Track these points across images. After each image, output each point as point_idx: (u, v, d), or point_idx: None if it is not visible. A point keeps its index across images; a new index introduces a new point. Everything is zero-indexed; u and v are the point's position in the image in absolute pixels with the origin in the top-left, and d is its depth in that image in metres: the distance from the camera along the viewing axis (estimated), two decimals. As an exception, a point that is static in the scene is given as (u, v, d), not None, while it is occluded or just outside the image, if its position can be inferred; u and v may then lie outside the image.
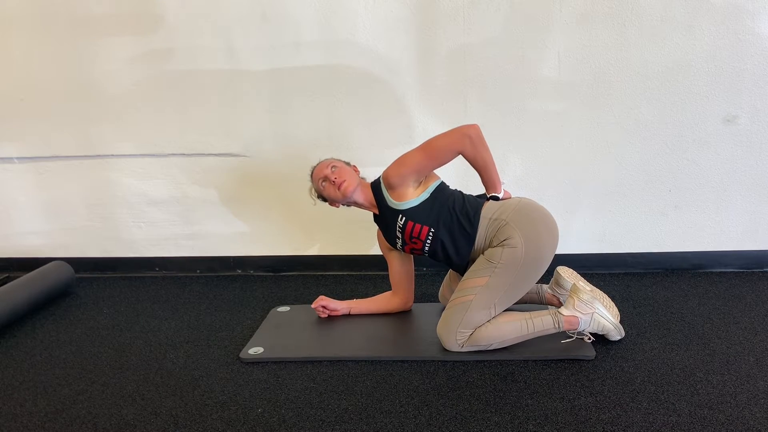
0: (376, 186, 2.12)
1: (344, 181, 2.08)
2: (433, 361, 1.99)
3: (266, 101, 2.70)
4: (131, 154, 2.86)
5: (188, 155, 2.83)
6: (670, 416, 1.64)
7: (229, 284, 2.85)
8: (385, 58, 2.57)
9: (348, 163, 2.21)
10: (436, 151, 1.97)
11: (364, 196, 2.14)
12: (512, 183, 2.66)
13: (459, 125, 1.99)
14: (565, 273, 2.24)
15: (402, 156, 2.04)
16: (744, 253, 2.68)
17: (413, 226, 2.04)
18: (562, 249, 2.68)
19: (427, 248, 2.08)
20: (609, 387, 1.79)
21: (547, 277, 2.32)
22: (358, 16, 2.52)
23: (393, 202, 2.05)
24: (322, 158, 2.24)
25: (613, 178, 2.63)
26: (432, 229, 2.03)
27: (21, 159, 2.94)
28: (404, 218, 2.05)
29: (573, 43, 2.46)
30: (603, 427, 1.61)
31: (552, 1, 2.42)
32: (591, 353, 1.96)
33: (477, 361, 1.97)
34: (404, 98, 2.62)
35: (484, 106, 2.58)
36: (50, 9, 2.66)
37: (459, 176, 2.66)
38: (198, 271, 3.04)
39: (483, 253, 2.00)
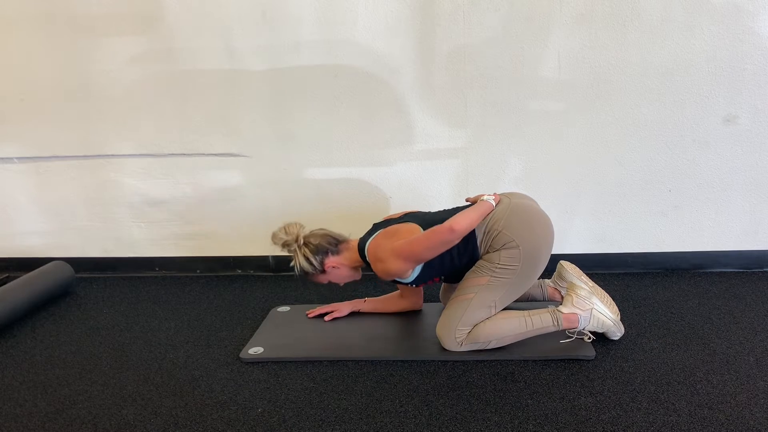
0: (366, 258, 2.07)
1: (340, 280, 2.14)
2: (433, 361, 1.99)
3: (266, 101, 2.69)
4: (131, 154, 2.86)
5: (188, 155, 2.83)
6: (670, 416, 1.64)
7: (229, 284, 2.85)
8: (385, 57, 2.57)
9: (315, 258, 2.05)
10: (423, 256, 1.95)
11: (359, 266, 2.13)
12: (512, 183, 2.66)
13: (435, 229, 1.90)
14: (569, 266, 2.23)
15: (387, 265, 1.95)
16: (744, 253, 2.68)
17: (425, 284, 2.12)
18: (563, 249, 2.69)
19: (441, 280, 2.15)
20: (609, 387, 1.79)
21: (547, 275, 2.32)
22: (358, 15, 2.52)
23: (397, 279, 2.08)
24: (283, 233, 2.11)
25: (613, 178, 2.63)
26: (442, 276, 2.09)
27: (21, 159, 2.94)
28: (414, 284, 2.09)
29: (573, 43, 2.46)
30: (603, 427, 1.61)
31: (552, 1, 2.42)
32: (591, 353, 1.96)
33: (477, 360, 1.97)
34: (404, 98, 2.62)
35: (484, 106, 2.58)
36: (50, 9, 2.66)
37: (459, 176, 2.67)
38: (198, 271, 3.04)
39: (482, 257, 2.00)
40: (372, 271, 2.04)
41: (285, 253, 2.10)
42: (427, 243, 1.91)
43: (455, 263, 2.01)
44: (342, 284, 2.19)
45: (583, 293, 1.99)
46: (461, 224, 1.89)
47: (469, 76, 2.55)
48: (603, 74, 2.49)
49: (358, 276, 2.17)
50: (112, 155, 2.87)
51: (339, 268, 2.10)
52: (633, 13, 2.40)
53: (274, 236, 2.08)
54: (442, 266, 2.01)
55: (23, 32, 2.72)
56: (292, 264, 2.08)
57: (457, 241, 1.92)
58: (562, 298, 2.25)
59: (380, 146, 2.69)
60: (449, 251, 1.97)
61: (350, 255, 2.09)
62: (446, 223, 1.90)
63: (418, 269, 2.01)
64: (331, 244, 2.08)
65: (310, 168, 2.77)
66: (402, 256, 1.93)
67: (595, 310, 1.98)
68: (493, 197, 2.01)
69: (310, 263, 2.05)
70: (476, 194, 2.09)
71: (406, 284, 2.08)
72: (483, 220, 1.97)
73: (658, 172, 2.60)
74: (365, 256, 2.04)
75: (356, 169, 2.74)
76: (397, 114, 2.64)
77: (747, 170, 2.56)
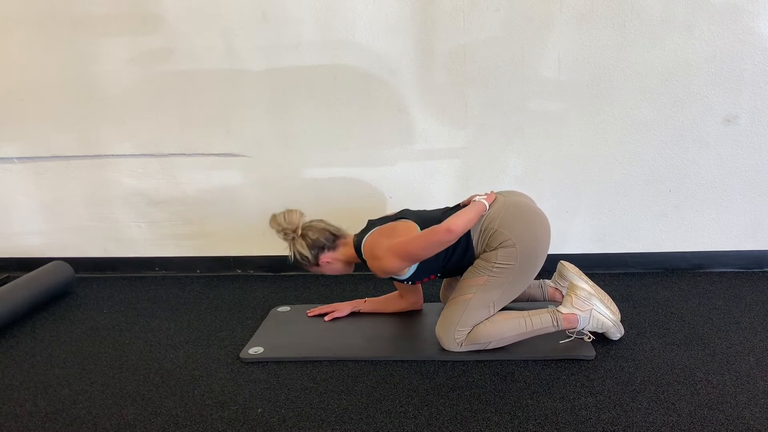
0: (361, 255, 2.07)
1: (332, 273, 2.14)
2: (433, 361, 1.99)
3: (266, 101, 2.69)
4: (131, 154, 2.86)
5: (188, 155, 2.83)
6: (670, 416, 1.64)
7: (229, 284, 2.85)
8: (385, 58, 2.57)
9: (311, 251, 2.07)
10: (419, 255, 1.94)
11: (353, 262, 2.14)
12: (512, 183, 2.66)
13: (432, 230, 1.90)
14: (569, 266, 2.23)
15: (383, 263, 1.95)
16: (744, 253, 2.68)
17: (421, 281, 2.09)
18: (563, 249, 2.68)
19: (438, 277, 2.13)
20: (609, 387, 1.79)
21: (546, 275, 2.32)
22: (357, 15, 2.52)
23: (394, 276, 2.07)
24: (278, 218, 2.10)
25: (613, 178, 2.63)
26: (438, 273, 2.08)
27: (21, 159, 2.94)
28: (410, 282, 2.08)
29: (573, 43, 2.46)
30: (603, 427, 1.61)
31: (552, 1, 2.42)
32: (591, 353, 1.96)
33: (477, 361, 1.97)
34: (404, 98, 2.62)
35: (484, 106, 2.58)
36: (50, 9, 2.66)
37: (459, 176, 2.67)
38: (198, 271, 3.04)
39: (479, 257, 2.00)
40: (367, 267, 2.04)
41: (286, 252, 2.11)
42: (424, 243, 1.92)
43: (450, 260, 2.01)
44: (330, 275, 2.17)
45: (582, 294, 1.99)
46: (458, 225, 1.89)
47: (469, 76, 2.55)
48: (603, 74, 2.49)
49: (350, 270, 2.17)
50: (112, 155, 2.87)
51: (333, 263, 2.11)
52: (633, 13, 2.40)
53: (273, 219, 2.09)
54: (436, 264, 2.01)
55: (23, 32, 2.72)
56: (288, 253, 2.11)
57: (454, 242, 1.92)
58: (563, 297, 2.25)
59: (380, 146, 2.69)
60: (444, 249, 1.98)
61: (346, 251, 2.10)
62: (443, 224, 1.90)
63: (413, 267, 2.01)
64: (329, 240, 2.09)
65: (310, 168, 2.78)
66: (398, 255, 1.93)
67: (595, 311, 1.98)
68: (485, 197, 2.02)
69: (304, 256, 2.07)
70: (468, 196, 2.09)
71: (403, 281, 2.08)
72: (480, 220, 1.98)
73: (658, 172, 2.60)
74: (361, 253, 2.05)
75: (356, 169, 2.74)
76: (397, 114, 2.64)
77: (747, 170, 2.56)
